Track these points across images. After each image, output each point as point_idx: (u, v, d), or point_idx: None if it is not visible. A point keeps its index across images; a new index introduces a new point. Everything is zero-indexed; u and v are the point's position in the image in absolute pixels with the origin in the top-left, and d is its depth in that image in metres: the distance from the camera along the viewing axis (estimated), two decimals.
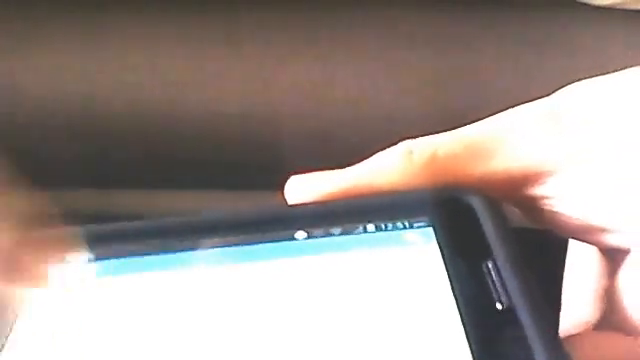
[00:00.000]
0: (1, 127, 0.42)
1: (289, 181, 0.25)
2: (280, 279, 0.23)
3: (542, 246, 0.26)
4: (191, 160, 0.43)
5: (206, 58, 0.43)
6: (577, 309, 0.26)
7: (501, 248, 0.22)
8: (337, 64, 0.42)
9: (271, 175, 0.42)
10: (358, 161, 0.24)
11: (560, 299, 0.27)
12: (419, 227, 0.24)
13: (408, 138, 0.24)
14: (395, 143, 0.24)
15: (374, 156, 0.24)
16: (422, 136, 0.24)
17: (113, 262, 0.24)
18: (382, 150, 0.24)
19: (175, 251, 0.24)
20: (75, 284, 0.23)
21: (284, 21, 0.43)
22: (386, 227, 0.24)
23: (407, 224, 0.24)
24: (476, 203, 0.23)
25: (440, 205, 0.24)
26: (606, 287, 0.25)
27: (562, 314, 0.27)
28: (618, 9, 0.42)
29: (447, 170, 0.24)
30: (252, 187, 0.41)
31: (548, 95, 0.25)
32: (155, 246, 0.24)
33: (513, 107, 0.24)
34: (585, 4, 0.42)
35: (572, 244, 0.28)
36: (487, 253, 0.22)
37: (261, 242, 0.24)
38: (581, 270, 0.27)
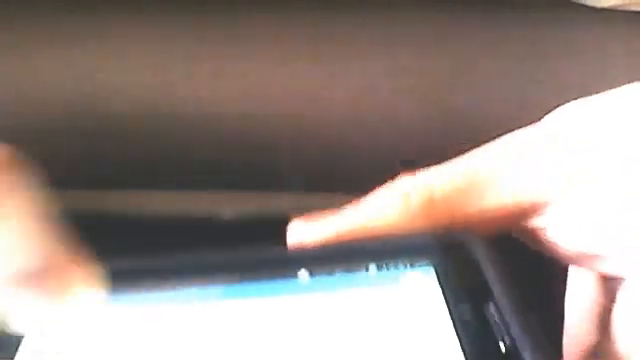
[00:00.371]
0: (1, 127, 0.42)
1: (290, 225, 0.25)
2: (282, 316, 0.23)
3: (544, 258, 0.26)
4: (191, 160, 0.43)
5: (206, 58, 0.43)
6: (576, 332, 0.26)
7: (501, 290, 0.23)
8: (337, 64, 0.42)
9: (271, 175, 0.42)
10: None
11: (562, 314, 0.27)
12: (420, 268, 0.24)
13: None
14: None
15: (372, 196, 0.25)
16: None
17: (119, 295, 0.24)
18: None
19: (181, 287, 0.24)
20: (83, 311, 0.24)
21: (284, 21, 0.43)
22: (388, 267, 0.24)
23: (408, 265, 0.24)
24: (475, 246, 0.24)
25: (441, 248, 0.24)
26: (603, 311, 0.25)
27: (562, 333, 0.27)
28: (619, 10, 0.42)
29: (444, 211, 0.24)
30: (252, 187, 0.41)
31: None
32: (161, 281, 0.24)
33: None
34: (586, 5, 0.42)
35: (571, 268, 0.28)
36: (487, 295, 0.23)
37: (264, 280, 0.24)
38: (580, 293, 0.27)
